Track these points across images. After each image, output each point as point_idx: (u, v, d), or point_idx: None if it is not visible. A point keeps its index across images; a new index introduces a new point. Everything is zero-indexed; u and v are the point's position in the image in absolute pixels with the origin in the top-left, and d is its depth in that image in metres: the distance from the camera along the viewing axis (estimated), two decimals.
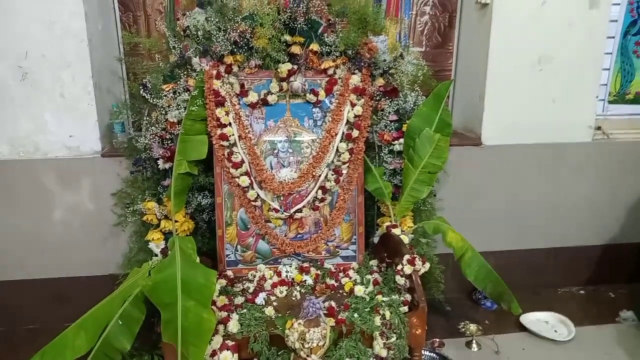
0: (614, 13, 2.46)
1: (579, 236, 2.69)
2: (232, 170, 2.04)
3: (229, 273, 2.05)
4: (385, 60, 2.21)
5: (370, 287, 1.92)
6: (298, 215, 2.09)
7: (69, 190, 2.23)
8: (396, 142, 2.20)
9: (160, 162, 2.03)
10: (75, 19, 2.08)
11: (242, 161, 2.05)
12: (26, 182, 2.20)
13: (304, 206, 2.10)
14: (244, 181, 2.05)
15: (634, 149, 2.59)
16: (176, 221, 2.01)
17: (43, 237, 2.28)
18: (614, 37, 2.53)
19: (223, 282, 1.96)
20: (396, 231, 2.06)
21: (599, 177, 2.60)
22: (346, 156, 2.11)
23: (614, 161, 2.58)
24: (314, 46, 2.07)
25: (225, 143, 2.02)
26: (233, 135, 2.03)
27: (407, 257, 1.85)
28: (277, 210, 2.08)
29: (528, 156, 2.51)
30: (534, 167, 2.53)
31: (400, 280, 1.86)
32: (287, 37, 2.05)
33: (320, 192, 2.11)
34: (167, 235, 2.04)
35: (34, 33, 2.07)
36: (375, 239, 2.21)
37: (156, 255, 2.01)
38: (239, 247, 2.09)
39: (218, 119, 2.01)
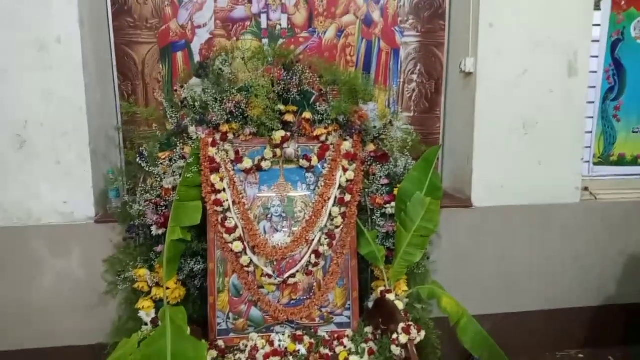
0: (592, 80, 2.58)
1: (573, 297, 2.67)
2: (225, 236, 2.04)
3: (220, 343, 2.00)
4: (375, 127, 2.29)
5: (366, 357, 1.88)
6: (291, 280, 2.08)
7: (60, 257, 2.21)
8: (388, 205, 2.23)
9: (153, 228, 2.03)
10: (74, 89, 2.15)
11: (236, 226, 2.06)
12: (16, 249, 2.19)
13: (297, 271, 2.09)
14: (237, 246, 2.05)
15: (621, 209, 2.63)
16: (167, 288, 1.99)
17: (30, 306, 2.22)
18: (594, 102, 2.64)
19: (214, 353, 1.91)
20: (390, 296, 2.04)
21: (588, 238, 2.63)
22: (339, 220, 2.13)
23: (602, 222, 2.62)
24: (307, 114, 2.14)
25: (219, 209, 2.04)
26: (227, 200, 2.06)
27: (402, 325, 1.82)
28: (270, 276, 2.06)
29: (518, 217, 2.54)
30: (524, 228, 2.56)
31: (396, 350, 1.82)
32: (281, 107, 2.13)
33: (313, 256, 2.11)
34: (158, 303, 2.01)
35: (33, 102, 2.12)
36: (370, 304, 2.18)
37: (146, 325, 1.97)
38: (230, 314, 2.05)
39: (213, 185, 2.04)
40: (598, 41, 2.59)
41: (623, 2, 2.56)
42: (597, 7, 2.54)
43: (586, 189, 2.65)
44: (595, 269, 2.66)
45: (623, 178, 2.73)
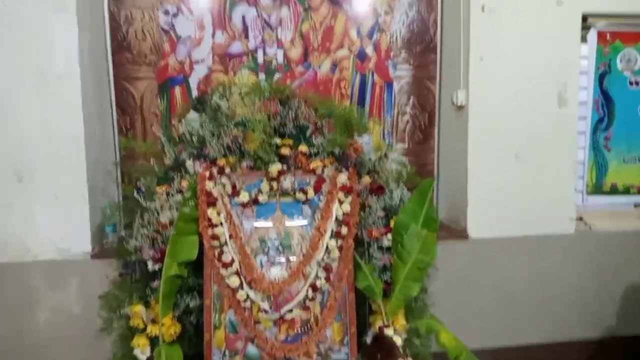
0: (582, 111, 2.64)
1: (573, 329, 2.66)
2: (222, 270, 2.03)
3: None
4: (370, 159, 2.32)
5: None
6: (289, 316, 2.06)
7: (55, 293, 2.19)
8: (384, 237, 2.23)
9: (149, 263, 2.02)
10: (73, 123, 2.17)
11: (232, 260, 2.05)
12: (11, 285, 2.17)
13: (294, 306, 2.07)
14: (234, 281, 2.04)
15: (616, 239, 2.65)
16: (163, 325, 1.97)
17: (25, 342, 2.19)
18: (584, 133, 2.69)
19: None
20: (389, 331, 2.03)
21: (585, 268, 2.63)
22: (336, 253, 2.13)
23: (598, 251, 2.64)
24: (303, 148, 2.17)
25: (216, 243, 2.04)
26: (224, 234, 2.06)
27: None
28: (266, 311, 2.05)
29: (514, 248, 2.55)
30: (521, 259, 2.57)
31: None
32: (277, 140, 2.16)
33: (310, 290, 2.10)
34: (154, 340, 1.98)
35: (32, 137, 2.14)
36: (368, 339, 2.16)
37: None
38: (227, 352, 2.02)
39: (210, 219, 2.04)
40: (586, 73, 2.66)
41: (608, 36, 2.64)
42: (584, 39, 2.61)
43: (580, 218, 2.67)
44: (594, 299, 2.66)
45: (616, 208, 2.76)
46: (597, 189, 2.74)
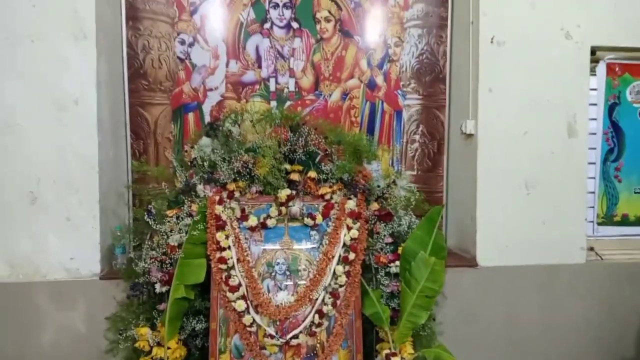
0: (592, 142, 2.64)
1: (582, 359, 2.59)
2: (228, 294, 2.03)
3: None
4: (379, 186, 2.33)
5: None
6: (294, 341, 2.04)
7: (63, 313, 2.21)
8: (392, 264, 2.22)
9: (157, 285, 2.04)
10: (88, 147, 2.23)
11: (239, 284, 2.06)
12: (20, 304, 2.19)
13: (300, 332, 2.06)
14: (240, 305, 2.03)
15: (628, 270, 2.61)
16: (169, 348, 1.96)
17: None
18: (594, 163, 2.68)
19: None
20: None
21: (596, 298, 2.59)
22: (343, 279, 2.12)
23: (609, 282, 2.59)
24: (312, 174, 2.20)
25: (224, 266, 2.05)
26: (232, 258, 2.07)
27: None
28: (272, 337, 2.03)
29: (524, 277, 2.52)
30: (530, 288, 2.53)
31: None
32: (287, 166, 2.19)
33: (317, 316, 2.08)
34: None
35: (47, 160, 2.20)
36: None
37: None
38: None
39: (218, 243, 2.06)
40: (596, 104, 2.67)
41: (617, 68, 2.66)
42: (593, 72, 2.64)
43: (591, 249, 2.63)
44: (605, 330, 2.60)
45: (628, 238, 2.72)
46: (608, 219, 2.71)
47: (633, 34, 2.58)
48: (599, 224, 2.70)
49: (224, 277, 2.03)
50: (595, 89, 2.66)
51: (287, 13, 2.62)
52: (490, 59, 2.47)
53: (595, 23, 2.53)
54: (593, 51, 2.58)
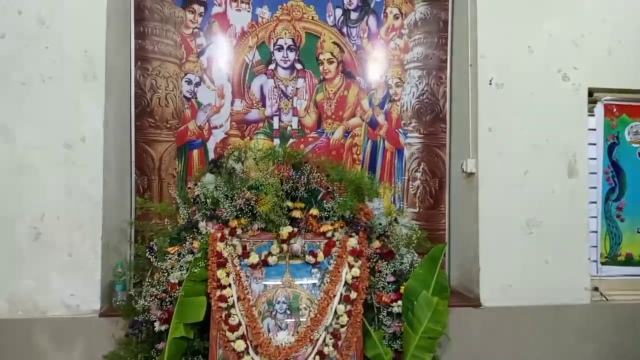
0: (592, 181, 2.65)
1: None
2: (228, 334, 2.01)
3: None
4: (381, 224, 2.34)
5: None
6: None
7: (60, 352, 2.17)
8: (395, 304, 2.20)
9: (156, 324, 2.02)
10: (94, 184, 2.26)
11: (239, 324, 2.03)
12: (19, 341, 2.16)
13: None
14: (240, 345, 2.00)
15: (634, 311, 2.56)
16: None
17: None
18: (596, 202, 2.69)
19: None
20: None
21: (601, 340, 2.53)
22: (344, 319, 2.10)
23: (615, 323, 2.54)
24: (314, 211, 2.21)
25: (224, 305, 2.03)
26: (232, 296, 2.06)
27: None
28: None
29: (528, 318, 2.48)
30: (535, 329, 2.48)
31: None
32: (289, 203, 2.21)
33: (318, 357, 2.05)
34: None
35: (53, 196, 2.22)
36: None
37: None
38: None
39: (218, 280, 2.05)
40: (595, 144, 2.70)
41: (615, 109, 2.71)
42: (592, 112, 2.68)
43: (596, 289, 2.60)
44: None
45: (633, 278, 2.69)
46: (612, 259, 2.69)
47: (628, 77, 2.64)
48: (602, 263, 2.67)
49: (223, 315, 2.01)
50: (594, 129, 2.70)
51: (291, 55, 2.70)
52: (489, 100, 2.52)
53: (591, 66, 2.59)
54: (590, 92, 2.63)
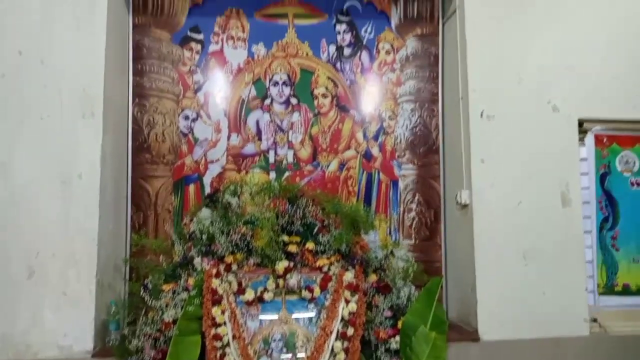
0: (586, 210, 2.67)
1: None
2: None
3: None
4: (377, 257, 2.34)
5: None
6: None
7: None
8: (392, 339, 2.17)
9: None
10: (90, 220, 2.25)
11: None
12: None
13: None
14: None
15: (634, 342, 2.53)
16: None
17: None
18: (590, 232, 2.70)
19: None
20: None
21: None
22: (342, 356, 2.07)
23: (615, 355, 2.51)
24: (310, 245, 2.21)
25: (219, 344, 2.01)
26: (227, 335, 2.03)
27: None
28: None
29: (528, 352, 2.44)
30: None
31: None
32: (285, 237, 2.21)
33: None
34: None
35: (48, 233, 2.22)
36: None
37: None
38: None
39: (213, 318, 2.03)
40: (587, 173, 2.73)
41: (605, 139, 2.74)
42: (583, 142, 2.72)
43: (595, 320, 2.58)
44: None
45: (632, 309, 2.67)
46: (609, 289, 2.68)
47: (617, 107, 2.68)
48: (600, 294, 2.66)
49: (218, 355, 1.99)
50: (585, 159, 2.73)
51: (287, 90, 2.76)
52: (481, 132, 2.55)
53: (580, 97, 2.64)
54: (581, 123, 2.67)
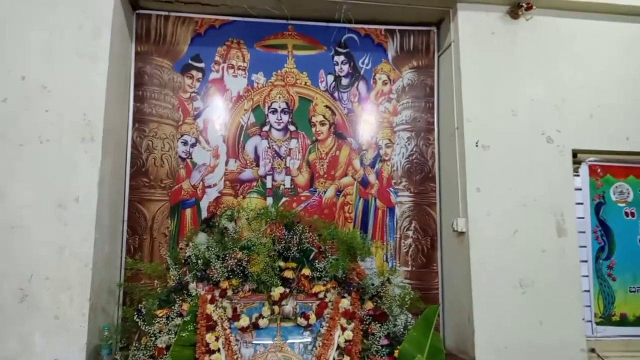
0: (582, 240, 2.68)
1: None
2: None
3: None
4: (373, 284, 2.33)
5: None
6: None
7: None
8: None
9: None
10: (85, 244, 2.24)
11: None
12: None
13: None
14: None
15: None
16: None
17: None
18: (586, 261, 2.70)
19: None
20: None
21: None
22: None
23: None
24: (306, 271, 2.21)
25: None
26: None
27: None
28: None
29: None
30: None
31: None
32: (281, 263, 2.21)
33: None
34: None
35: (42, 257, 2.19)
36: None
37: None
38: None
39: (207, 345, 2.01)
40: (582, 203, 2.75)
41: (599, 170, 2.78)
42: (577, 172, 2.76)
43: (593, 350, 2.56)
44: None
45: (630, 339, 2.65)
46: (606, 319, 2.66)
47: (610, 139, 2.73)
48: (597, 323, 2.64)
49: None
50: (580, 189, 2.76)
51: (285, 117, 2.80)
52: (476, 161, 2.59)
53: (574, 128, 2.69)
54: (575, 154, 2.71)
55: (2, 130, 2.27)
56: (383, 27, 2.92)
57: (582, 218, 2.73)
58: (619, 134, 2.75)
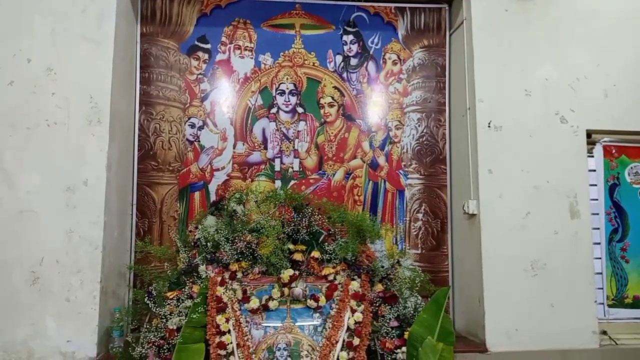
0: (595, 222, 2.64)
1: None
2: None
3: None
4: (383, 267, 2.31)
5: None
6: None
7: None
8: (399, 350, 2.14)
9: None
10: (94, 228, 2.24)
11: None
12: None
13: None
14: None
15: None
16: None
17: None
18: (600, 244, 2.66)
19: None
20: None
21: None
22: None
23: None
24: (315, 253, 2.19)
25: (223, 352, 1.99)
26: (231, 343, 2.01)
27: None
28: None
29: None
30: None
31: None
32: (290, 246, 2.20)
33: None
34: None
35: (53, 240, 2.21)
36: None
37: None
38: None
39: (218, 326, 2.01)
40: (596, 185, 2.70)
41: (614, 150, 2.73)
42: (591, 153, 2.70)
43: (604, 332, 2.54)
44: None
45: None
46: (618, 301, 2.63)
47: (626, 119, 2.67)
48: (609, 306, 2.61)
49: None
50: (594, 170, 2.71)
51: (293, 99, 2.76)
52: (488, 142, 2.54)
53: (588, 108, 2.63)
54: (589, 134, 2.65)
55: (10, 113, 2.26)
56: (393, 4, 2.85)
57: (596, 200, 2.69)
58: (634, 113, 2.68)
